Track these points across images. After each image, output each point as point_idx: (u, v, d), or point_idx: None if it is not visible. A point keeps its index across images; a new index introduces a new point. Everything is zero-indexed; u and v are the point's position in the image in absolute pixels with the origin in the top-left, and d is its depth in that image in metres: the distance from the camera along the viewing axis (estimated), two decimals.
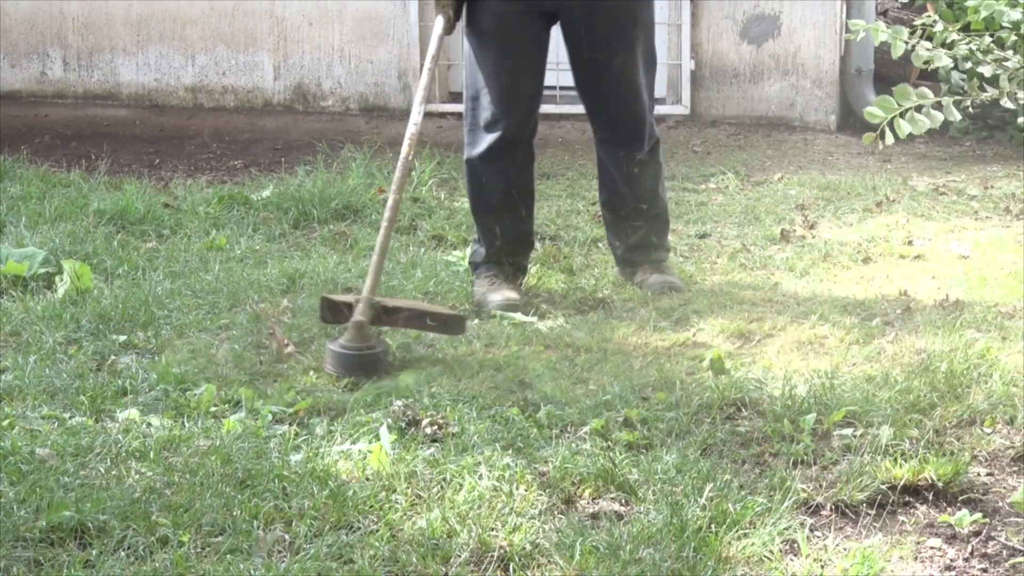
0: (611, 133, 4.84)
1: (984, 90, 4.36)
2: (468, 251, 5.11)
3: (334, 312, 4.31)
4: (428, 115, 8.70)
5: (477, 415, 3.75)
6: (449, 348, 4.32)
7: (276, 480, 3.30)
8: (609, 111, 4.80)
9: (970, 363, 4.02)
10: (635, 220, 4.93)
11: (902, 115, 4.27)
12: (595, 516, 3.24)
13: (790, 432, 3.62)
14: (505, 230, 4.86)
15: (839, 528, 3.20)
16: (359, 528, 3.13)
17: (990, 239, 5.67)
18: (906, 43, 4.41)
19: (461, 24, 4.80)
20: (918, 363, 4.07)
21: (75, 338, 4.42)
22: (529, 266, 5.03)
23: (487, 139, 4.75)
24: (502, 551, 3.02)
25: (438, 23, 4.63)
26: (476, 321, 4.61)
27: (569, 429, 3.70)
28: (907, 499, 3.32)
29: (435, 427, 3.67)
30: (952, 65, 4.60)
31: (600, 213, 5.20)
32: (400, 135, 8.48)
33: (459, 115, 8.61)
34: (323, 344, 4.28)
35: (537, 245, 5.24)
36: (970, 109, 4.55)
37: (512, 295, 4.75)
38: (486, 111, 4.74)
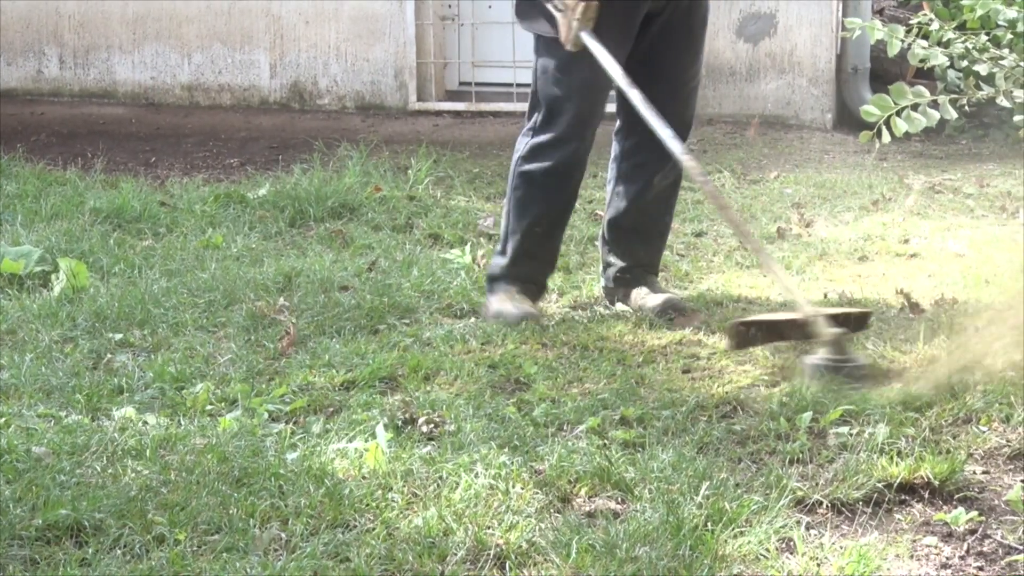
0: (656, 140, 4.43)
1: (980, 88, 4.36)
2: (491, 263, 4.82)
3: (759, 335, 4.16)
4: (424, 114, 8.73)
5: (473, 413, 3.75)
6: (445, 346, 4.32)
7: (272, 478, 3.30)
8: (667, 116, 4.42)
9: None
10: (644, 238, 4.80)
11: (898, 113, 4.28)
12: (591, 514, 3.23)
13: (786, 430, 3.62)
14: (543, 248, 4.70)
15: (835, 526, 3.20)
16: (355, 526, 3.12)
17: (986, 237, 5.67)
18: (902, 41, 4.41)
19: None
20: (914, 361, 4.07)
21: (71, 336, 4.41)
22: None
23: (556, 156, 4.59)
24: (498, 549, 3.01)
25: (592, 42, 4.39)
26: (472, 320, 4.61)
27: (565, 427, 3.70)
28: (903, 497, 3.32)
29: (431, 425, 3.67)
30: (948, 63, 4.60)
31: (604, 230, 4.87)
32: (397, 133, 8.50)
33: (456, 113, 8.67)
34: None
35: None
36: (966, 107, 4.55)
37: (531, 311, 4.60)
38: (560, 128, 4.56)
